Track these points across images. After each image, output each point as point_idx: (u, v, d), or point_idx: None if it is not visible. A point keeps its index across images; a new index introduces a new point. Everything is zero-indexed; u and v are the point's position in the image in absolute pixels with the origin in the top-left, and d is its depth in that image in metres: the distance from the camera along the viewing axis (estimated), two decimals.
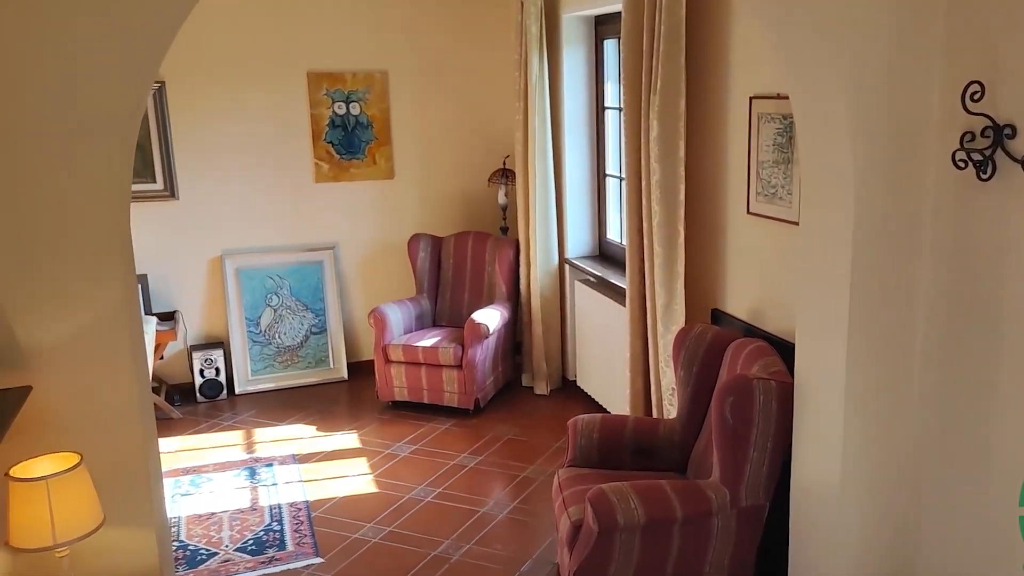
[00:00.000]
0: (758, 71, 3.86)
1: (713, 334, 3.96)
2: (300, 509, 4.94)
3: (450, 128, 6.89)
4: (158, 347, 6.25)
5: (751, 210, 3.96)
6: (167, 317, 6.48)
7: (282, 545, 4.59)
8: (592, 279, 5.78)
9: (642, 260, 4.53)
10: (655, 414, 4.64)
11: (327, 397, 6.58)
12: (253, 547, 4.57)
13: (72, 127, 2.26)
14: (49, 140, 2.24)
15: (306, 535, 4.68)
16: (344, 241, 6.86)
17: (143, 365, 2.46)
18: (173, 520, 4.84)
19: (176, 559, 4.46)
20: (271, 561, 4.45)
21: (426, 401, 6.15)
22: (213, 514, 4.91)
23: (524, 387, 6.57)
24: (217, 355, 6.57)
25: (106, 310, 2.30)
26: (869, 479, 3.02)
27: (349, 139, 6.69)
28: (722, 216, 4.23)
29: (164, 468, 5.39)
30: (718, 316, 4.32)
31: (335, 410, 6.33)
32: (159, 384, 6.61)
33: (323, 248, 6.81)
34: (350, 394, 6.65)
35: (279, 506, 4.98)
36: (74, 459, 2.15)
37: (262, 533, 4.71)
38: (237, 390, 6.65)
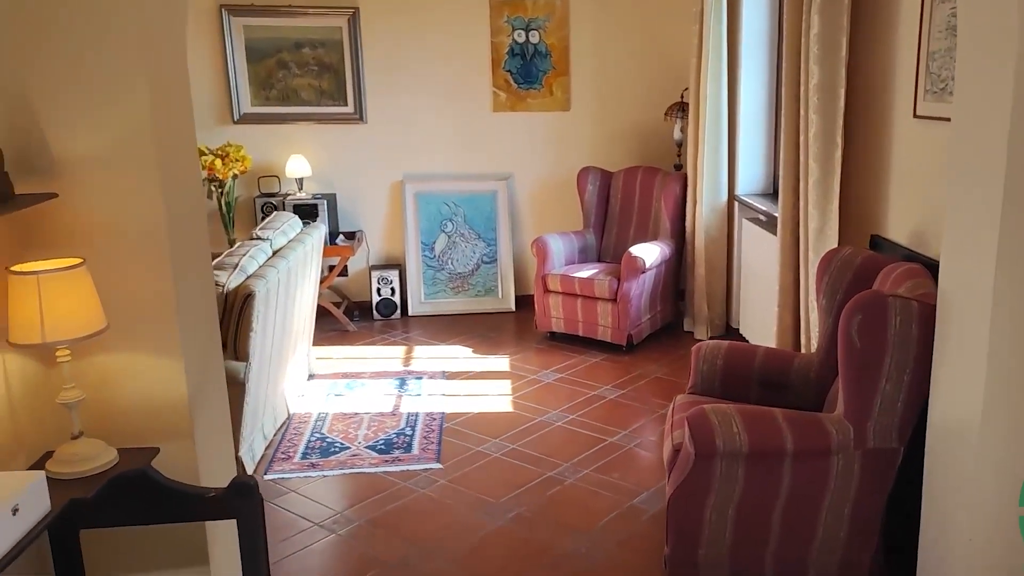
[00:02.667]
0: None
1: (864, 258, 3.31)
2: (435, 419, 4.75)
3: (628, 58, 6.45)
4: (340, 262, 6.28)
5: (918, 112, 3.26)
6: (351, 236, 6.48)
7: (408, 448, 4.42)
8: (762, 217, 5.13)
9: (796, 178, 3.90)
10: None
11: (491, 325, 6.36)
12: (382, 446, 4.44)
13: None
14: None
15: (433, 442, 4.48)
16: (518, 172, 6.59)
17: (178, 190, 2.25)
18: (322, 415, 4.80)
19: (312, 448, 4.43)
20: (394, 460, 4.30)
21: (580, 334, 5.78)
22: (356, 414, 4.84)
23: (685, 332, 6.03)
24: (393, 276, 6.52)
25: (132, 125, 2.12)
26: (1016, 418, 2.34)
27: (527, 68, 6.39)
28: (886, 123, 3.54)
29: (326, 371, 5.43)
30: (878, 243, 3.64)
31: (494, 337, 6.10)
32: (342, 299, 6.66)
33: (497, 178, 6.57)
34: (513, 324, 6.40)
35: (416, 414, 4.82)
36: (75, 262, 1.98)
37: (394, 436, 4.56)
38: (410, 311, 6.58)
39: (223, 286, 4.05)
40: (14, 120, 2.09)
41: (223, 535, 2.35)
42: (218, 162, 6.09)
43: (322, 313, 6.31)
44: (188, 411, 2.27)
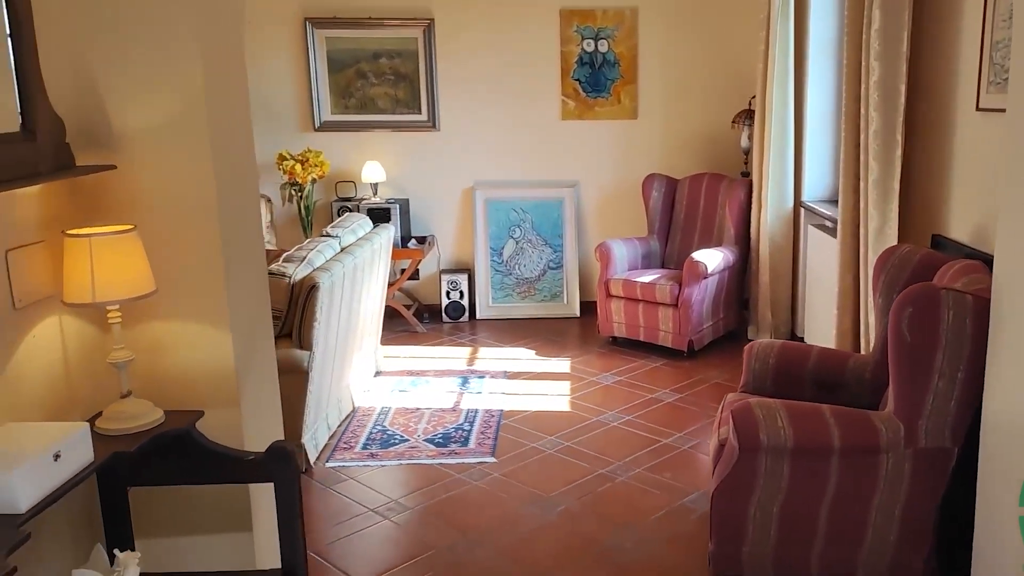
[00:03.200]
0: None
1: (922, 255, 3.18)
2: (493, 416, 4.76)
3: (696, 67, 6.37)
4: (411, 265, 6.36)
5: (981, 105, 3.13)
6: (422, 240, 6.56)
7: (465, 442, 4.44)
8: (828, 223, 4.98)
9: (856, 178, 3.78)
10: None
11: (555, 329, 6.34)
12: (440, 440, 4.47)
13: None
14: None
15: (489, 437, 4.48)
16: (584, 179, 6.57)
17: (229, 165, 2.31)
18: (385, 409, 4.86)
19: (373, 439, 4.49)
20: (450, 453, 4.32)
21: (642, 339, 5.71)
22: (418, 409, 4.88)
23: (748, 340, 5.87)
24: (462, 280, 6.57)
25: (186, 100, 2.19)
26: None
27: (596, 77, 6.38)
28: (948, 117, 3.40)
29: (393, 368, 5.50)
30: (940, 242, 3.50)
31: (557, 340, 6.07)
32: (413, 302, 6.74)
33: (565, 185, 6.56)
34: (577, 329, 6.37)
35: (476, 411, 4.83)
36: (126, 228, 2.05)
37: (452, 430, 4.59)
38: (478, 315, 6.61)
39: (290, 277, 4.14)
40: (79, 95, 2.18)
41: (267, 502, 2.38)
42: (298, 167, 6.24)
43: (393, 314, 6.40)
44: (235, 380, 2.32)
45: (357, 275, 4.69)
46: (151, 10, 2.17)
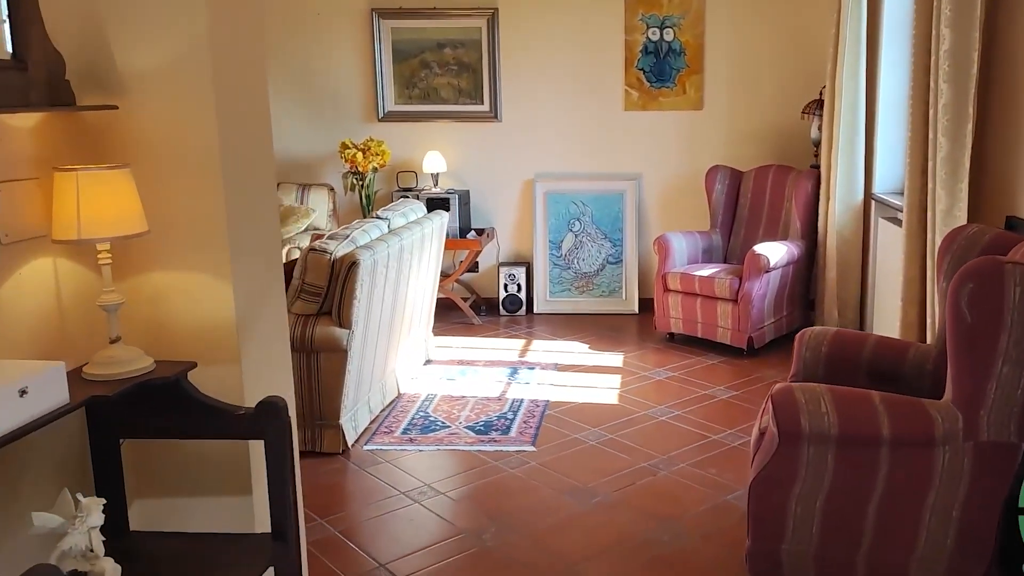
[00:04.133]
0: None
1: (992, 236, 2.88)
2: (538, 406, 4.60)
3: (764, 56, 6.10)
4: (468, 256, 6.25)
5: None
6: (482, 232, 6.45)
7: (506, 431, 4.29)
8: (900, 215, 4.64)
9: (924, 157, 3.49)
10: None
11: (612, 325, 6.13)
12: (481, 428, 4.33)
13: None
14: None
15: (531, 427, 4.32)
16: (647, 172, 6.35)
17: (235, 111, 2.21)
18: (430, 396, 4.75)
19: (414, 424, 4.39)
20: (490, 441, 4.18)
21: (700, 335, 5.45)
22: (463, 397, 4.76)
23: None
24: (520, 273, 6.42)
25: (189, 42, 2.09)
26: None
27: (660, 66, 6.16)
28: None
29: (443, 358, 5.38)
30: (1014, 225, 3.18)
31: (613, 336, 5.87)
32: (471, 294, 6.63)
33: (627, 178, 6.35)
34: (635, 325, 6.15)
35: (521, 400, 4.68)
36: (117, 164, 1.96)
37: (495, 418, 4.44)
38: (535, 308, 6.46)
39: (331, 254, 4.05)
40: (84, 35, 2.11)
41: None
42: (359, 155, 6.21)
43: (450, 306, 6.30)
44: (235, 334, 2.21)
45: (403, 257, 4.58)
46: None
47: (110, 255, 2.00)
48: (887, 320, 4.63)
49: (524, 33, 6.28)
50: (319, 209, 6.49)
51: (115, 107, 2.11)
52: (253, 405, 2.18)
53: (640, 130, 6.29)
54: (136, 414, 2.02)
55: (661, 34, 6.12)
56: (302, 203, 6.50)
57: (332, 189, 6.56)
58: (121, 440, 2.10)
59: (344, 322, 4.01)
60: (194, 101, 2.13)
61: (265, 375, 2.39)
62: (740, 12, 6.08)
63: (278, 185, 6.48)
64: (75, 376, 2.00)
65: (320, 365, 4.04)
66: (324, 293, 4.07)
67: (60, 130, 2.11)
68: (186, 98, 2.13)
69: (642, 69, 6.19)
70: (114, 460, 2.11)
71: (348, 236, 4.25)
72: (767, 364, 5.13)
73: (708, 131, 6.23)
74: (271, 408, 2.00)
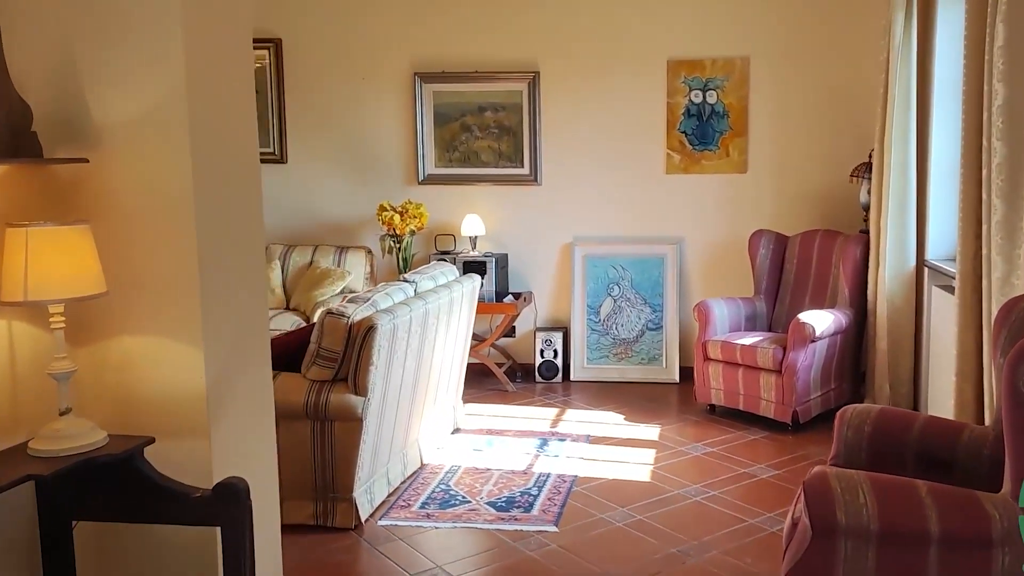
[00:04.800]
0: None
1: None
2: (565, 481, 4.32)
3: (811, 118, 5.88)
4: (504, 321, 6.06)
5: None
6: (519, 296, 6.26)
7: (529, 508, 4.02)
8: (956, 284, 4.31)
9: (978, 220, 3.19)
10: None
11: (650, 394, 5.83)
12: (503, 504, 4.07)
13: None
14: None
15: (556, 504, 4.04)
16: (689, 236, 6.12)
17: (215, 164, 2.06)
18: (453, 468, 4.51)
19: (433, 498, 4.15)
20: (510, 519, 3.92)
21: (741, 408, 5.13)
22: (488, 470, 4.52)
23: None
24: (557, 338, 6.20)
25: (164, 95, 1.95)
26: None
27: (703, 129, 5.97)
28: None
29: (472, 426, 5.14)
30: None
31: (650, 406, 5.57)
32: (507, 359, 6.41)
33: (668, 242, 6.12)
34: (675, 395, 5.85)
35: (548, 475, 4.41)
36: (75, 221, 1.82)
37: (518, 494, 4.18)
38: (572, 376, 6.21)
39: (348, 317, 3.88)
40: (56, 85, 1.99)
41: None
42: (396, 217, 6.11)
43: (485, 372, 6.09)
44: (204, 405, 2.03)
45: (429, 322, 4.39)
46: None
47: (63, 318, 1.85)
48: (942, 397, 4.27)
49: (565, 96, 6.18)
50: (355, 272, 6.38)
51: (85, 160, 1.98)
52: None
53: (682, 193, 6.09)
54: (88, 494, 1.83)
55: (704, 96, 5.95)
56: (339, 265, 6.40)
57: (370, 252, 6.46)
58: (74, 522, 1.91)
59: (360, 389, 3.82)
60: (168, 154, 2.00)
61: (241, 450, 2.19)
62: (785, 73, 5.89)
63: (315, 247, 6.41)
64: (20, 452, 1.83)
65: (334, 434, 3.84)
66: (340, 359, 3.88)
67: (25, 183, 1.99)
68: (160, 151, 2.00)
69: (684, 132, 6.01)
70: (65, 543, 1.91)
71: (369, 299, 4.08)
72: (813, 441, 4.77)
73: (752, 194, 6.00)
74: (229, 491, 1.79)
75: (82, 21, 1.98)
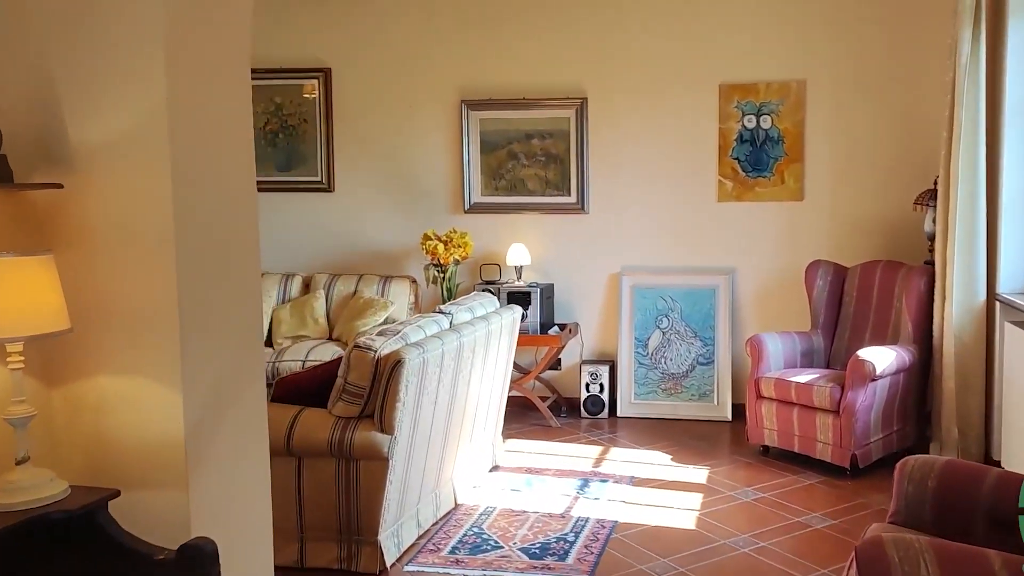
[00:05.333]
0: None
1: None
2: (605, 527, 4.06)
3: (872, 141, 5.56)
4: (548, 354, 5.83)
5: None
6: (564, 328, 6.02)
7: (564, 556, 3.77)
8: None
9: None
10: None
11: (700, 433, 5.52)
12: (536, 551, 3.83)
13: None
14: None
15: (592, 553, 3.78)
16: (742, 266, 5.83)
17: (200, 191, 1.89)
18: (488, 509, 4.28)
19: (464, 543, 3.92)
20: (543, 568, 3.68)
21: (796, 450, 4.80)
22: (524, 512, 4.28)
23: None
24: (603, 372, 5.94)
25: (143, 118, 1.79)
26: None
27: (757, 155, 5.70)
28: None
29: (511, 464, 4.91)
30: None
31: (699, 446, 5.26)
32: (552, 393, 6.17)
33: (720, 273, 5.84)
34: (726, 434, 5.53)
35: (586, 519, 4.16)
36: (40, 251, 1.66)
37: (553, 540, 3.93)
38: (619, 411, 5.93)
39: (375, 351, 3.69)
40: (31, 107, 1.85)
41: None
42: (440, 247, 5.96)
43: (528, 406, 5.86)
44: (183, 453, 1.84)
45: (463, 355, 4.18)
46: (116, 15, 1.81)
47: (22, 358, 1.69)
48: (1017, 445, 3.90)
49: (613, 122, 5.99)
50: (398, 302, 6.22)
51: (59, 186, 1.83)
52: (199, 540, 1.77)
53: (735, 222, 5.82)
54: (40, 554, 1.65)
55: (758, 121, 5.69)
56: (382, 295, 6.25)
57: (414, 281, 6.31)
58: None
59: (386, 427, 3.62)
60: (147, 179, 1.85)
61: (227, 501, 2.00)
62: (843, 96, 5.60)
63: (360, 276, 6.28)
64: None
65: (359, 474, 3.65)
66: (367, 394, 3.70)
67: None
68: (138, 175, 1.86)
69: (737, 158, 5.75)
70: None
71: (399, 332, 3.89)
72: (873, 487, 4.41)
73: (809, 223, 5.70)
74: (194, 554, 1.60)
75: (60, 37, 1.83)
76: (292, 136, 6.53)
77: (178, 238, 1.82)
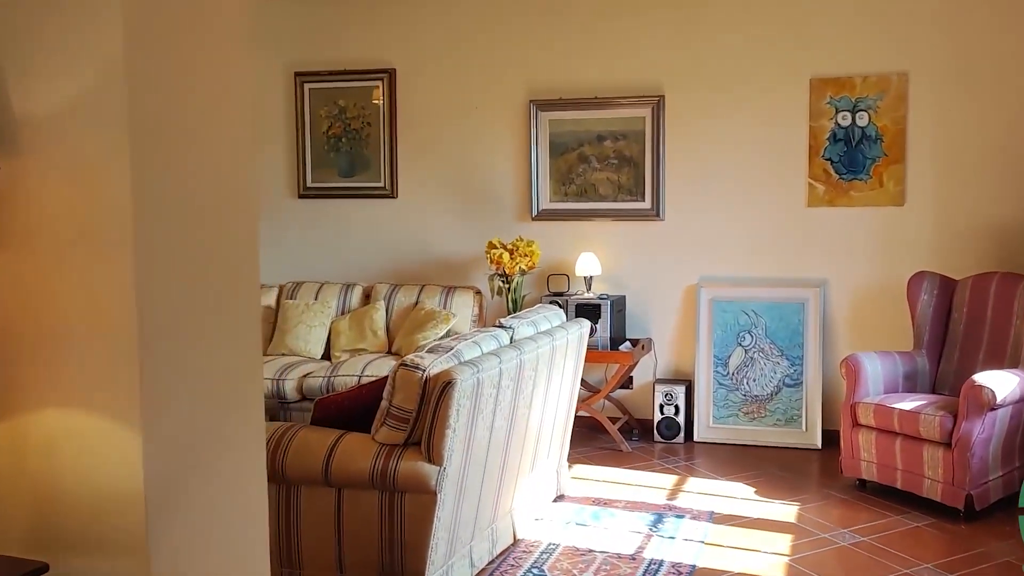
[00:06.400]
0: None
1: None
2: (681, 573, 3.57)
3: (983, 141, 5.01)
4: (619, 372, 5.36)
5: None
6: (637, 343, 5.55)
7: None
8: None
9: None
10: None
11: (786, 462, 4.98)
12: None
13: None
14: None
15: None
16: (834, 279, 5.32)
17: (176, 179, 1.50)
18: (551, 546, 3.84)
19: None
20: None
21: (899, 486, 4.23)
22: (591, 551, 3.84)
23: None
24: (679, 392, 5.45)
25: (98, 74, 1.40)
26: None
27: (852, 156, 5.18)
28: None
29: (578, 493, 4.46)
30: None
31: (786, 477, 4.73)
32: (623, 414, 5.69)
33: (809, 285, 5.31)
34: (816, 465, 5.00)
35: (660, 562, 3.69)
36: None
37: None
38: (695, 435, 5.45)
39: (423, 370, 3.28)
40: None
41: None
42: (505, 256, 5.58)
43: (597, 427, 5.43)
44: (142, 510, 1.44)
45: (524, 375, 3.74)
46: None
47: None
48: None
49: (692, 121, 5.55)
50: (461, 314, 5.84)
51: None
52: None
53: (826, 229, 5.31)
54: None
55: (853, 118, 5.19)
56: (445, 307, 5.88)
57: (479, 292, 5.94)
58: None
59: (435, 457, 3.20)
60: (101, 159, 1.44)
61: (203, 568, 1.58)
62: (950, 90, 5.06)
63: (422, 287, 5.93)
64: None
65: (404, 508, 3.25)
66: (414, 419, 3.28)
67: None
68: (90, 155, 1.45)
69: (830, 159, 5.24)
70: None
71: (452, 349, 3.48)
72: (992, 533, 3.82)
73: (911, 231, 5.16)
74: None
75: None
76: (355, 140, 6.25)
77: (138, 238, 1.43)
